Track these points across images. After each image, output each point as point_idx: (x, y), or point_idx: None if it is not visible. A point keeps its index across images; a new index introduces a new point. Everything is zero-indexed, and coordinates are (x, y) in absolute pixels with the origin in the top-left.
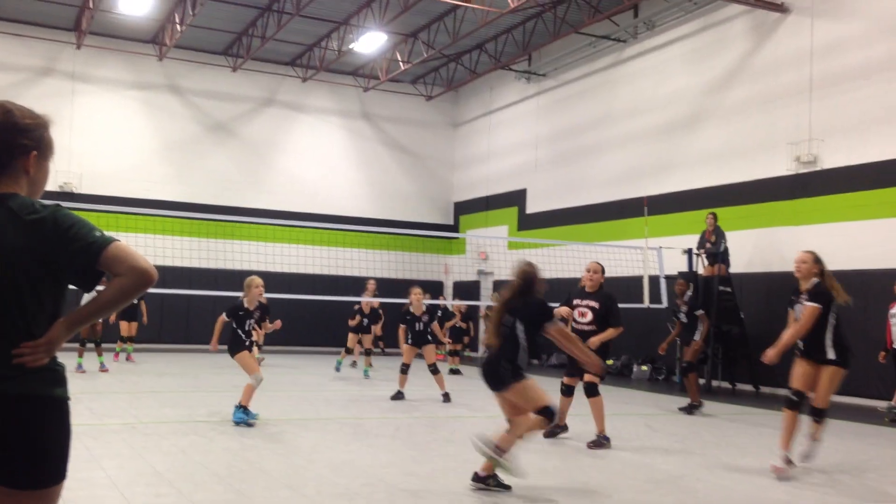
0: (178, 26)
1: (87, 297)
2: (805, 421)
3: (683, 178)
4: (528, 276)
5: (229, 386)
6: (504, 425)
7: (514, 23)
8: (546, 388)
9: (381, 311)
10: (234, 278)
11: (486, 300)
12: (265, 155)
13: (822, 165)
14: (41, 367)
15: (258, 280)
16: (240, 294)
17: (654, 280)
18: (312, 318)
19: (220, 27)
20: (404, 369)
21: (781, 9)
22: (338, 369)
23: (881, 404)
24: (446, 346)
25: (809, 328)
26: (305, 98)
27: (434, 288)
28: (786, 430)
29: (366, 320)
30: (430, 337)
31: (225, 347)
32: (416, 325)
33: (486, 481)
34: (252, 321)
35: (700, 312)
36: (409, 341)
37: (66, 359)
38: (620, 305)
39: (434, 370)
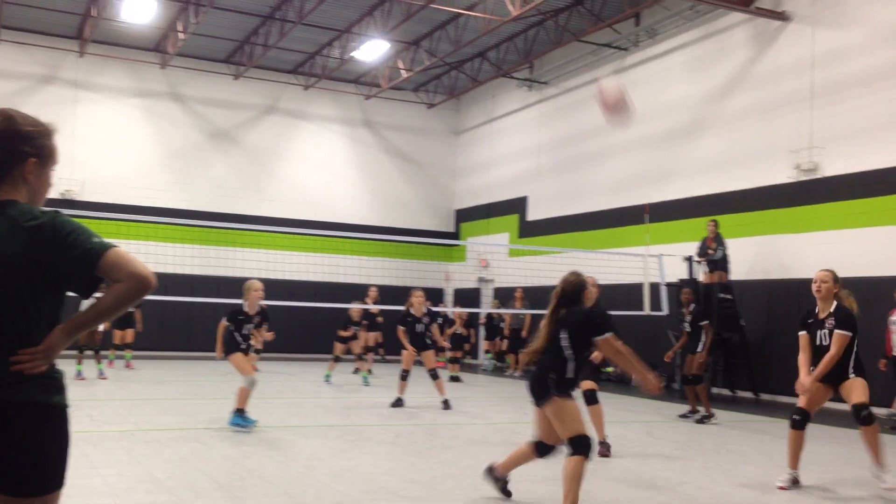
0: (181, 34)
1: (85, 304)
2: (856, 436)
3: (684, 185)
4: (569, 285)
5: (230, 393)
6: (518, 443)
7: (515, 31)
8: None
9: (378, 319)
10: (236, 286)
11: (487, 307)
12: (267, 162)
13: (822, 173)
14: (40, 375)
15: (257, 283)
16: (241, 301)
17: (654, 287)
18: (314, 326)
19: (222, 35)
20: (404, 375)
21: (782, 17)
22: (328, 381)
23: (881, 412)
24: (446, 352)
25: (841, 357)
26: (307, 106)
27: (435, 295)
28: (792, 450)
29: (355, 328)
30: (429, 341)
31: None
32: (417, 326)
33: (497, 480)
34: (251, 326)
35: (705, 323)
36: (408, 341)
37: (65, 366)
38: (621, 312)
39: (434, 375)
